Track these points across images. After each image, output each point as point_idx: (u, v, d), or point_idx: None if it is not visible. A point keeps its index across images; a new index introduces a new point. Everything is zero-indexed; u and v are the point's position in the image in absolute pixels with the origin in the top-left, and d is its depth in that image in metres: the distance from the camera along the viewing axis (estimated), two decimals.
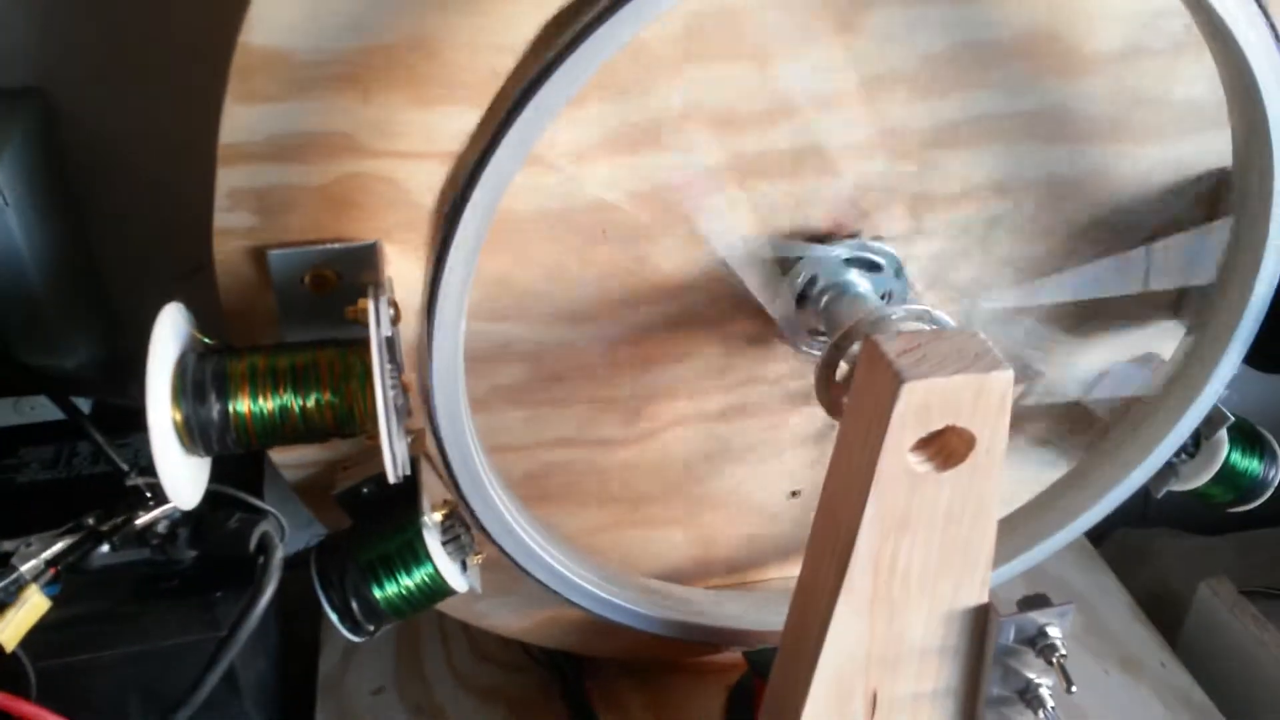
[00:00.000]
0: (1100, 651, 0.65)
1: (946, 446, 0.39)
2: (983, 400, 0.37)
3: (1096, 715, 0.60)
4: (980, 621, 0.44)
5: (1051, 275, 0.50)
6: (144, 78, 0.55)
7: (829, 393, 0.42)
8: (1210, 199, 0.49)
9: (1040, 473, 0.57)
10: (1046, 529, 0.54)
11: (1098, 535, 0.81)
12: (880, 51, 0.43)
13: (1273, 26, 0.39)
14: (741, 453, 0.54)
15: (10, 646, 0.40)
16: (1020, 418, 0.55)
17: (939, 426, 0.38)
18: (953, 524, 0.41)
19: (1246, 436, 0.52)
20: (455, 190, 0.38)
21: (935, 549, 0.41)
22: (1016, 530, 0.55)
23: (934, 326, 0.42)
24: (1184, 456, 0.51)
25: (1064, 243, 0.50)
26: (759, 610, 0.55)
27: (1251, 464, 0.52)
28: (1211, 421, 0.50)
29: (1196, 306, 0.49)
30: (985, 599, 0.44)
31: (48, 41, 0.54)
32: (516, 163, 0.36)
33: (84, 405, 0.54)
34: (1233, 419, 0.51)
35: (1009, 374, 0.37)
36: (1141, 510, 0.84)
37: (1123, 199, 0.49)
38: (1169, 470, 0.52)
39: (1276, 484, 0.53)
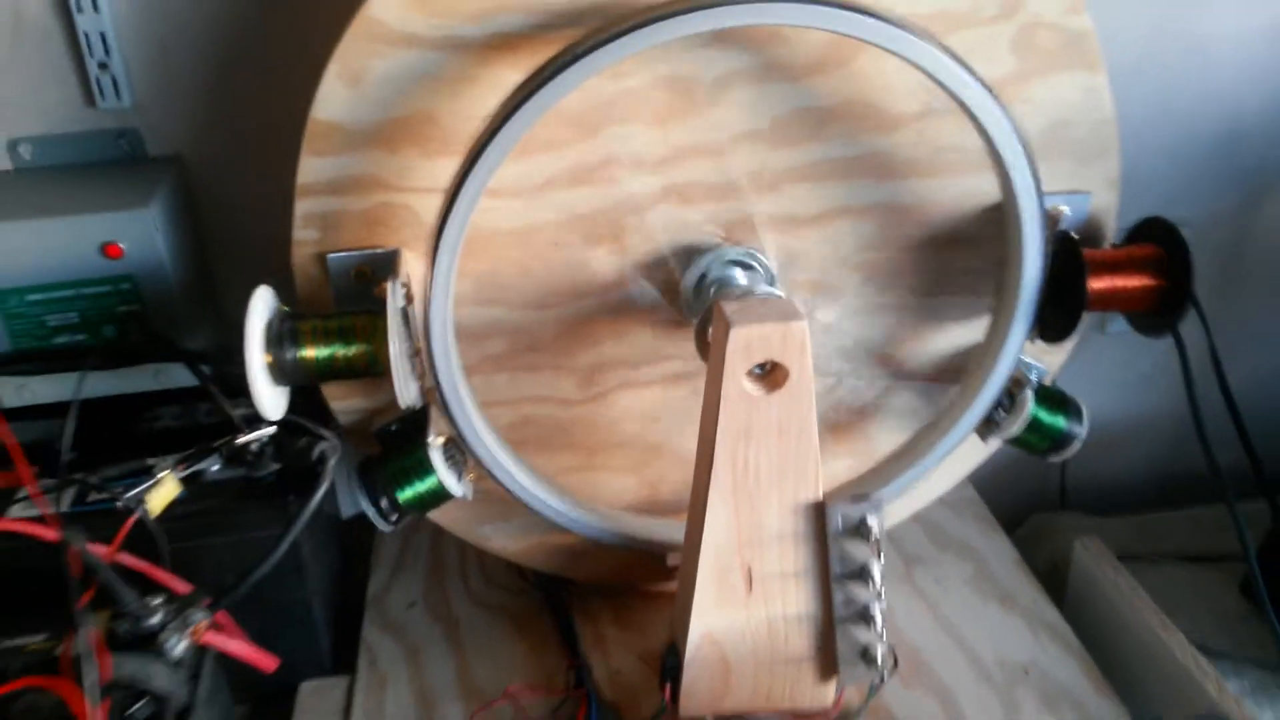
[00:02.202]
0: (984, 592, 0.79)
1: (771, 377, 0.57)
2: (789, 342, 0.55)
3: (975, 637, 0.75)
4: (818, 513, 0.61)
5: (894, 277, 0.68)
6: (244, 145, 0.77)
7: (703, 345, 0.61)
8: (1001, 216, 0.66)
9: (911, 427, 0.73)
10: (912, 465, 0.70)
11: (1016, 520, 0.96)
12: (742, 116, 0.62)
13: (995, 97, 0.57)
14: (674, 412, 0.72)
15: (155, 513, 0.60)
16: (892, 391, 0.73)
17: (760, 360, 0.56)
18: (784, 436, 0.58)
19: (1053, 398, 0.68)
20: (441, 213, 0.58)
21: (775, 454, 0.59)
22: (894, 465, 0.71)
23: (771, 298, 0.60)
24: (1001, 412, 0.68)
25: (901, 253, 0.68)
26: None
27: (1057, 420, 0.68)
28: (1018, 383, 0.67)
29: (995, 295, 0.66)
30: (819, 496, 0.61)
31: (183, 124, 0.76)
32: (475, 197, 0.56)
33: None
34: (1035, 382, 0.67)
35: (804, 324, 0.55)
36: (1058, 500, 0.99)
37: (941, 219, 0.66)
38: (992, 422, 0.68)
39: (1082, 437, 0.69)
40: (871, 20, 0.55)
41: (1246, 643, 0.76)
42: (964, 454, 0.73)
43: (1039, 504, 0.97)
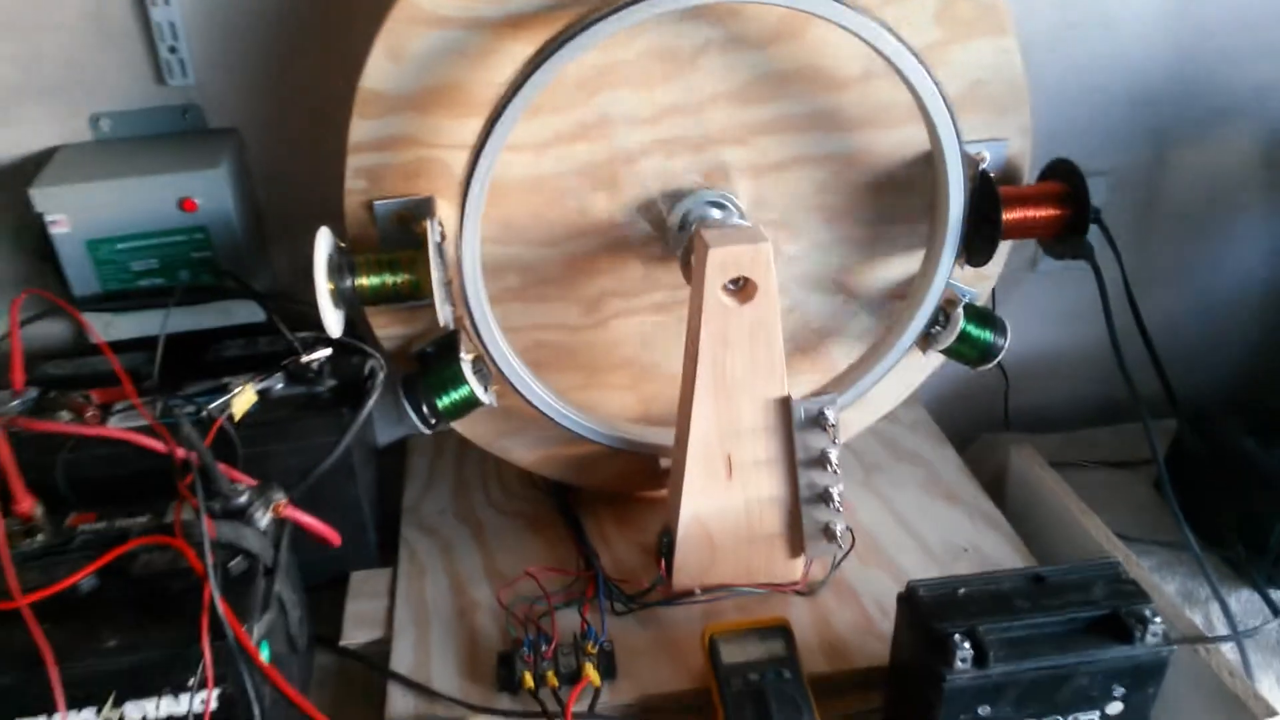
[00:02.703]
0: (932, 492, 0.93)
1: (743, 291, 0.70)
2: (757, 260, 0.68)
3: (923, 527, 0.88)
4: (784, 407, 0.74)
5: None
6: (290, 118, 0.89)
7: (687, 270, 0.74)
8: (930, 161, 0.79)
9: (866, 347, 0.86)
10: (865, 374, 0.82)
11: (967, 441, 1.09)
12: (715, 79, 0.75)
13: (921, 60, 0.70)
14: (663, 337, 0.84)
15: (238, 416, 0.73)
16: (848, 315, 0.86)
17: (734, 276, 0.68)
18: (754, 340, 0.71)
19: (980, 315, 0.81)
20: (468, 166, 0.70)
21: (747, 357, 0.72)
22: (850, 375, 0.84)
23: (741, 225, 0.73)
24: (938, 327, 0.81)
25: (854, 194, 0.81)
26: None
27: (985, 334, 0.81)
28: (951, 302, 0.80)
29: (929, 228, 0.79)
30: (785, 392, 0.74)
31: (238, 100, 0.89)
32: (496, 151, 0.69)
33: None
34: (965, 300, 0.80)
35: (769, 245, 0.68)
36: (1003, 422, 1.12)
37: (884, 165, 0.79)
38: (930, 336, 0.81)
39: (1005, 349, 0.81)
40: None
41: (1157, 530, 0.89)
42: (912, 369, 0.87)
43: (986, 426, 1.10)
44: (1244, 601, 0.82)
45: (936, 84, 0.71)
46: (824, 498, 0.76)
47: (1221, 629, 0.79)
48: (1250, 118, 0.99)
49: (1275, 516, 0.80)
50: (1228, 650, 0.76)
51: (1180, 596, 0.83)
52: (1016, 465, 0.96)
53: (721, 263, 0.68)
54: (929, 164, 0.78)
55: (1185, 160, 1.01)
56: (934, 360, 0.86)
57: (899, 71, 0.70)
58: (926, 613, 0.64)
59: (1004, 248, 0.83)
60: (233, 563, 0.66)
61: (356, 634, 0.80)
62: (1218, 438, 0.87)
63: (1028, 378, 1.10)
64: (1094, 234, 0.96)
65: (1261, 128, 1.00)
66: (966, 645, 0.61)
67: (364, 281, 0.72)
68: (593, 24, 0.65)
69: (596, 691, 0.72)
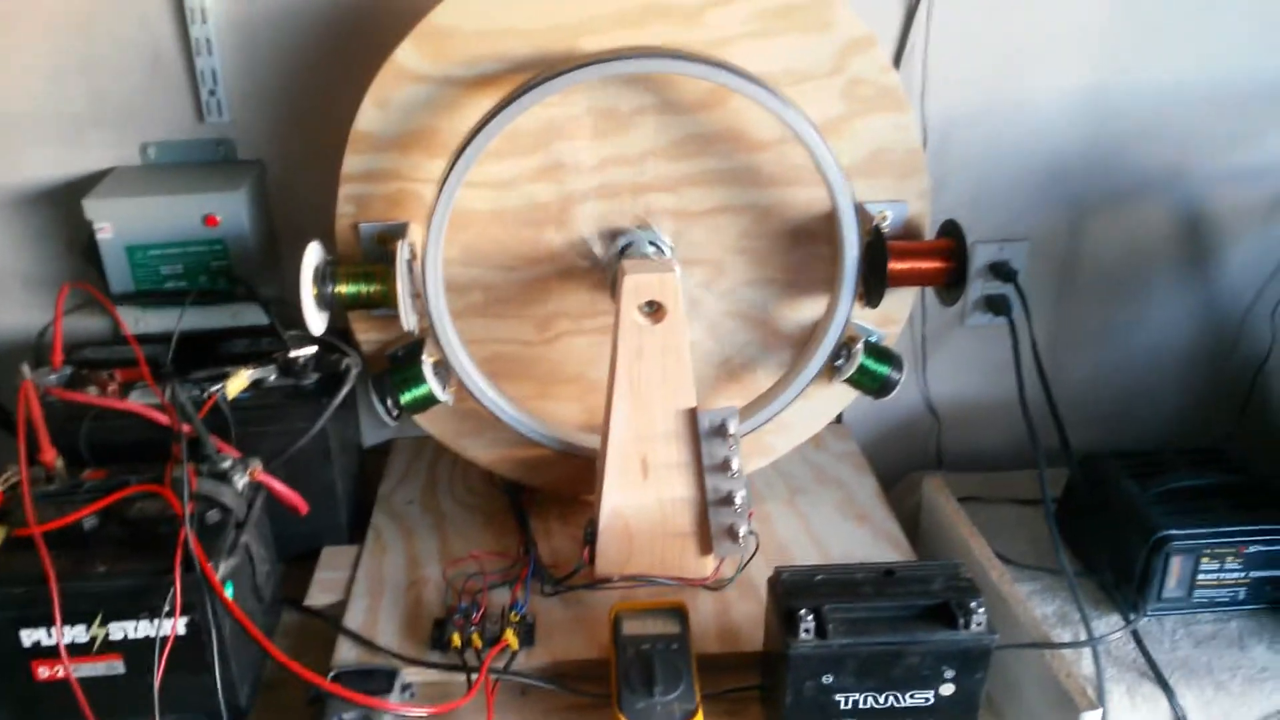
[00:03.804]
0: (845, 513, 1.02)
1: (655, 313, 0.82)
2: (666, 287, 0.81)
3: (830, 540, 0.98)
4: (691, 416, 0.86)
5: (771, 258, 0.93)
6: (305, 153, 1.04)
7: (613, 291, 0.86)
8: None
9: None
10: (778, 398, 0.94)
11: (894, 478, 1.18)
12: (650, 136, 0.88)
13: (817, 132, 0.82)
14: (607, 356, 0.96)
15: (230, 396, 0.87)
16: (771, 346, 0.97)
17: (647, 299, 0.81)
18: (666, 355, 0.83)
19: (879, 351, 0.92)
20: (435, 197, 0.84)
21: (659, 370, 0.84)
22: (764, 399, 0.95)
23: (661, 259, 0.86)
24: (841, 360, 0.92)
25: (773, 240, 0.93)
26: None
27: (882, 368, 0.92)
28: (853, 339, 0.91)
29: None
30: (693, 403, 0.85)
31: (264, 137, 1.04)
32: (457, 186, 0.83)
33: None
34: (865, 338, 0.91)
35: (676, 274, 0.80)
36: (935, 462, 1.22)
37: (798, 217, 0.92)
38: (835, 368, 0.92)
39: (900, 382, 0.92)
40: (734, 76, 0.81)
41: (1047, 560, 0.98)
42: (828, 399, 0.98)
43: (920, 465, 1.20)
44: (1112, 624, 0.90)
45: (830, 152, 0.83)
46: (727, 500, 0.87)
47: None
48: (1162, 193, 1.10)
49: (1140, 546, 0.88)
50: (1086, 661, 0.85)
51: (1056, 616, 0.92)
52: (927, 495, 1.06)
53: (635, 287, 0.81)
54: (831, 218, 0.90)
55: (1102, 229, 1.12)
56: (846, 393, 0.97)
57: (800, 139, 0.83)
58: (784, 593, 0.74)
59: (909, 295, 0.95)
60: (209, 513, 0.79)
61: (320, 597, 0.93)
62: (1101, 479, 0.96)
63: (958, 422, 1.20)
64: (1012, 293, 1.08)
65: (1173, 203, 1.11)
66: (810, 619, 0.71)
67: (342, 289, 0.86)
68: (532, 88, 0.79)
69: (513, 654, 0.83)
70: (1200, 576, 0.89)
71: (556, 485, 1.01)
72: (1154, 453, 0.98)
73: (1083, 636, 0.88)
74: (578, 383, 0.98)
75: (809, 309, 0.96)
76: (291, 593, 0.93)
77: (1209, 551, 0.88)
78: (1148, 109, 1.06)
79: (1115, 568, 0.92)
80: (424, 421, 0.96)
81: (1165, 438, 1.23)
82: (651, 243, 0.91)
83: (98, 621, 0.76)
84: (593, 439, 0.97)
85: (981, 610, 0.72)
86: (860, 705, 0.73)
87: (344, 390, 0.91)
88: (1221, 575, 0.89)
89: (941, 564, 0.77)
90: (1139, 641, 0.87)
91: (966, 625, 0.72)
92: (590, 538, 0.91)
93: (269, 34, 0.99)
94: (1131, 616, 0.89)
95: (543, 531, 1.00)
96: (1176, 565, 0.88)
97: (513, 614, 0.86)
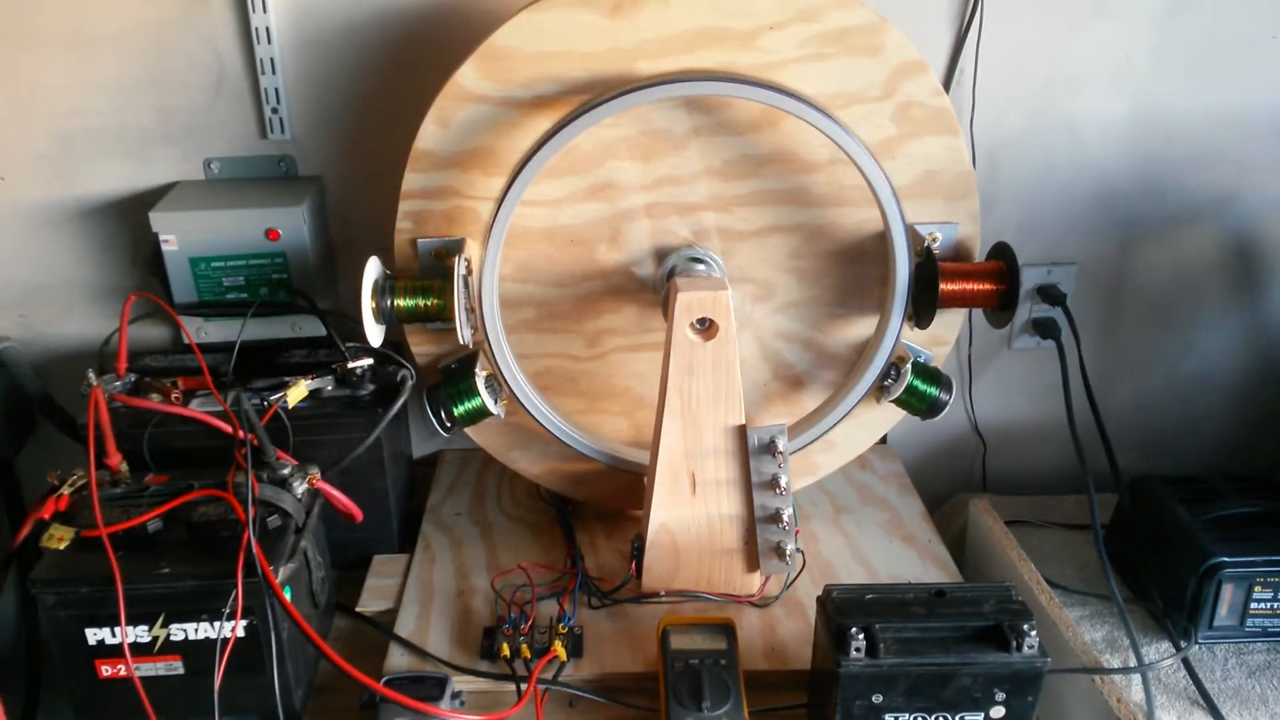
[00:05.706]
0: (891, 533, 1.03)
1: (707, 330, 0.83)
2: (718, 304, 0.82)
3: (876, 560, 0.99)
4: (741, 433, 0.86)
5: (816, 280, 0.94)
6: (363, 169, 1.07)
7: (665, 309, 0.87)
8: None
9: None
10: (825, 417, 0.94)
11: (937, 500, 1.18)
12: (702, 158, 0.89)
13: (870, 153, 0.83)
14: (656, 372, 0.97)
15: (290, 405, 0.89)
16: (819, 366, 0.98)
17: (699, 316, 0.82)
18: (717, 373, 0.84)
19: (928, 373, 0.92)
20: (492, 214, 0.86)
21: (709, 386, 0.85)
22: (812, 418, 0.96)
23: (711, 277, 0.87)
24: (889, 380, 0.92)
25: (821, 261, 0.94)
26: None
27: (931, 389, 0.92)
28: (902, 359, 0.92)
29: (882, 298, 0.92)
30: (743, 420, 0.86)
31: (324, 154, 1.07)
32: (514, 204, 0.84)
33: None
34: (913, 359, 0.91)
35: (728, 292, 0.81)
36: (981, 485, 1.21)
37: (848, 238, 0.93)
38: (883, 387, 0.93)
39: (949, 404, 0.92)
40: (793, 100, 0.82)
41: (1096, 585, 0.97)
42: (876, 419, 0.98)
43: (965, 488, 1.19)
44: (1162, 651, 0.90)
45: (884, 173, 0.84)
46: (775, 518, 0.88)
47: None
48: (1212, 219, 1.10)
49: (1191, 573, 0.88)
50: (1135, 688, 0.84)
51: (1104, 642, 0.91)
52: (974, 518, 1.06)
53: (688, 304, 0.82)
54: (883, 238, 0.91)
55: (1151, 253, 1.11)
56: (893, 413, 0.97)
57: (853, 160, 0.84)
58: (834, 611, 0.75)
59: (957, 316, 0.95)
60: (270, 518, 0.81)
61: (371, 603, 0.94)
62: (1150, 505, 0.95)
63: (1004, 445, 1.19)
64: (1060, 317, 1.08)
65: (1223, 230, 1.10)
66: (861, 638, 0.72)
67: (401, 302, 0.88)
68: (593, 108, 0.81)
69: (561, 665, 0.84)
70: (1253, 605, 0.88)
71: (603, 499, 1.02)
72: (1204, 479, 0.97)
73: (1132, 663, 0.87)
74: (626, 398, 1.00)
75: (857, 329, 0.96)
76: (346, 598, 0.95)
77: (1262, 580, 0.87)
78: (1198, 134, 1.06)
79: (1165, 594, 0.91)
80: (474, 434, 0.97)
81: (1212, 464, 1.22)
82: (702, 261, 0.92)
83: (159, 622, 0.78)
84: (640, 454, 0.98)
85: (1034, 633, 0.72)
86: None
87: (399, 401, 0.92)
88: (1275, 604, 0.88)
89: (992, 586, 0.77)
90: (1190, 669, 0.86)
91: (1019, 648, 0.72)
92: (637, 552, 0.91)
93: (330, 54, 1.01)
94: (1182, 644, 0.88)
95: (588, 545, 1.01)
96: (1229, 593, 0.87)
97: (560, 625, 0.87)
